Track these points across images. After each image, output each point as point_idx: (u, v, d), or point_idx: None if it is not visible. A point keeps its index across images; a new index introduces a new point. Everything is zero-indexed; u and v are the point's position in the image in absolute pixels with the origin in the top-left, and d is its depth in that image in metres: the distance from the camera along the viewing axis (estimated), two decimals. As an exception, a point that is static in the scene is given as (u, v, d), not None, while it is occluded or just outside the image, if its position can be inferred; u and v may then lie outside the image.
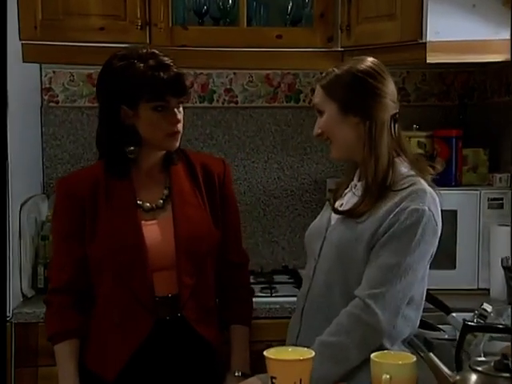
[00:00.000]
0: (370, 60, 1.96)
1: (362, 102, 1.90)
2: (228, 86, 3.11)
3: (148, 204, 2.09)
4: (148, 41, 2.68)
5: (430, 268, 2.16)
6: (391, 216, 1.85)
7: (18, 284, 2.58)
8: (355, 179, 2.00)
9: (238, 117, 3.11)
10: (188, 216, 2.09)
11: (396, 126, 1.95)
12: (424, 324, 2.30)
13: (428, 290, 2.46)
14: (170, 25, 2.70)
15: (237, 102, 3.11)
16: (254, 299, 2.46)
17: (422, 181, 1.92)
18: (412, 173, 1.93)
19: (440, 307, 2.34)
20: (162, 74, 1.99)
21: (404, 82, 3.15)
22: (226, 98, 3.11)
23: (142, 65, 2.00)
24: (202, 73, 3.09)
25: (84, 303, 2.08)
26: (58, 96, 3.05)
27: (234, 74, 3.10)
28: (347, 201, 1.98)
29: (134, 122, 2.03)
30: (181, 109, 2.07)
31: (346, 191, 2.02)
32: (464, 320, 1.72)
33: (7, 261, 2.39)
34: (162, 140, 2.05)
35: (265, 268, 3.02)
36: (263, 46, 2.72)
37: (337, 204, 2.00)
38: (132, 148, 2.05)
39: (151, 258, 2.04)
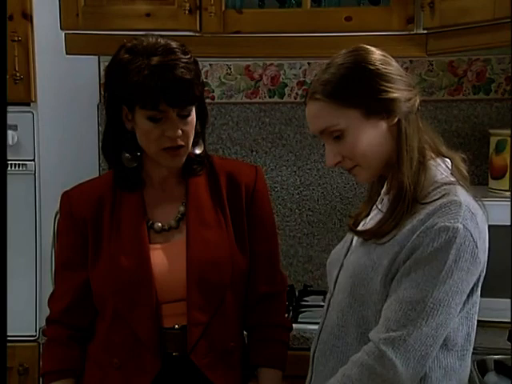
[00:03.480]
0: (373, 48, 1.59)
1: (389, 97, 1.50)
2: (301, 78, 2.73)
3: (159, 224, 1.78)
4: (198, 27, 2.38)
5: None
6: (414, 237, 1.45)
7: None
8: (382, 193, 1.60)
9: (312, 113, 2.72)
10: (204, 239, 1.75)
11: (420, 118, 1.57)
12: (503, 368, 1.87)
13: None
14: (223, 8, 2.37)
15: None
16: (305, 326, 2.14)
17: (461, 190, 1.49)
18: (450, 179, 1.51)
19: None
20: (159, 77, 1.63)
21: (515, 70, 2.67)
22: (299, 92, 2.73)
23: (144, 61, 1.66)
24: (272, 64, 2.74)
25: (83, 338, 1.81)
26: (116, 92, 2.81)
27: (309, 64, 2.73)
28: (372, 218, 1.59)
29: (133, 126, 1.72)
30: (189, 118, 1.70)
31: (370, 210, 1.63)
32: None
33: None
34: (158, 155, 1.72)
35: (339, 287, 2.63)
36: (329, 30, 2.32)
37: (359, 226, 1.61)
38: (127, 155, 1.74)
39: (159, 290, 1.73)
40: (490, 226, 1.54)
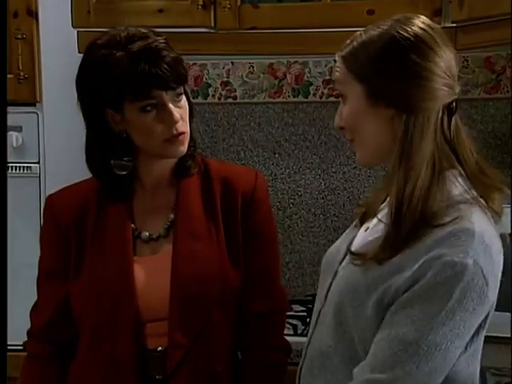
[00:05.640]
0: (419, 21, 1.38)
1: (400, 87, 1.31)
2: (327, 77, 2.59)
3: (147, 233, 1.65)
4: (212, 23, 2.29)
5: None
6: (416, 267, 1.25)
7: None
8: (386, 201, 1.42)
9: (338, 113, 2.58)
10: (192, 251, 1.61)
11: (452, 121, 1.34)
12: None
13: None
14: (238, 3, 2.27)
15: (337, 96, 2.55)
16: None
17: (477, 213, 1.29)
18: (469, 196, 1.31)
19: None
20: (145, 62, 1.53)
21: None
22: (325, 92, 2.59)
23: (121, 53, 1.55)
24: (296, 61, 2.60)
25: (65, 355, 1.69)
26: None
27: (335, 61, 2.58)
28: (372, 230, 1.40)
29: (125, 128, 1.60)
30: (182, 101, 1.60)
31: (382, 206, 1.43)
32: None
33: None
34: (161, 148, 1.59)
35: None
36: (349, 24, 2.15)
37: (363, 227, 1.44)
38: (118, 162, 1.61)
39: (142, 308, 1.60)
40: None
